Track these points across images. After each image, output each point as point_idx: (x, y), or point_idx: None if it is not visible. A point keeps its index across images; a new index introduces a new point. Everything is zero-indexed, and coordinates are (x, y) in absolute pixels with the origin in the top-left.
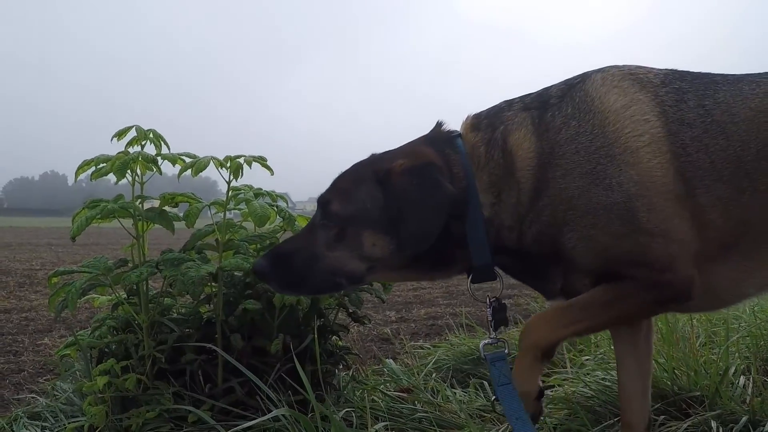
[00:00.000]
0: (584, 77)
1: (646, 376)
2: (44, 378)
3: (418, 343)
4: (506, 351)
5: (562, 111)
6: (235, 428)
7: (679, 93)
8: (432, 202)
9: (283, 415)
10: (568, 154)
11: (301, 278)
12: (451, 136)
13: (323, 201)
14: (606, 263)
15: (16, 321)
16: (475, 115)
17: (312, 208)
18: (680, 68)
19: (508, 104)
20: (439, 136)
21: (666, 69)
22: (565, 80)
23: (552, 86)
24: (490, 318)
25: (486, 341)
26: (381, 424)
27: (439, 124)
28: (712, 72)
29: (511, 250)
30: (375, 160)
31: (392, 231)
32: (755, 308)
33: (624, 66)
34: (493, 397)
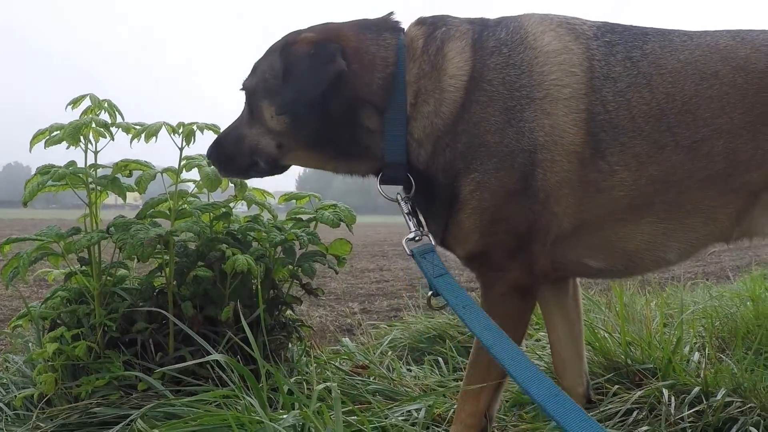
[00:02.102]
0: (523, 14)
1: (578, 338)
2: None
3: (374, 323)
4: (433, 242)
5: (496, 34)
6: (185, 397)
7: (609, 46)
8: (315, 73)
9: (232, 382)
10: (496, 82)
11: (231, 158)
12: (395, 25)
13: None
14: (489, 230)
15: None
16: (423, 16)
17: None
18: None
19: (457, 17)
20: (380, 23)
21: (599, 22)
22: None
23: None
24: (406, 211)
25: (408, 236)
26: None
27: (389, 14)
28: (648, 26)
29: (415, 169)
30: (292, 33)
31: (281, 105)
32: (712, 292)
33: (563, 15)
34: (429, 292)
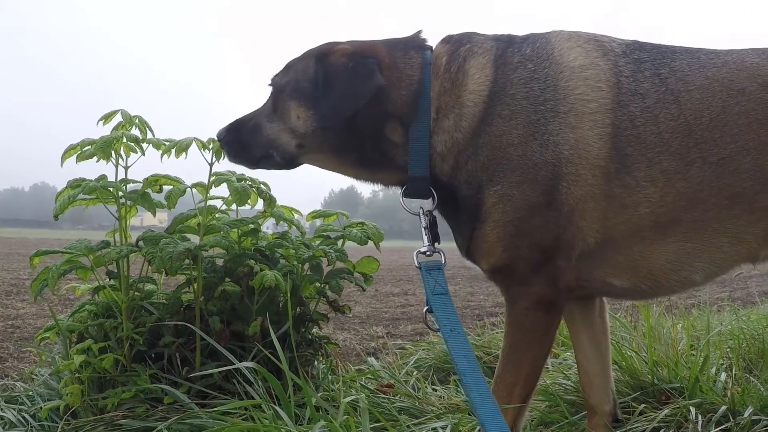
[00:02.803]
0: (551, 31)
1: (604, 356)
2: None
3: (399, 342)
4: (443, 261)
5: (522, 50)
6: (212, 408)
7: (638, 63)
8: (356, 88)
9: (258, 396)
10: (519, 96)
11: (245, 146)
12: (422, 43)
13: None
14: (512, 243)
15: (2, 328)
16: (450, 34)
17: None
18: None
19: (484, 34)
20: (408, 41)
21: (629, 40)
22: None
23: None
24: (424, 225)
25: (421, 249)
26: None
27: (417, 32)
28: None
29: (440, 181)
30: (329, 43)
31: (315, 106)
32: (739, 314)
33: (592, 33)
34: (426, 307)
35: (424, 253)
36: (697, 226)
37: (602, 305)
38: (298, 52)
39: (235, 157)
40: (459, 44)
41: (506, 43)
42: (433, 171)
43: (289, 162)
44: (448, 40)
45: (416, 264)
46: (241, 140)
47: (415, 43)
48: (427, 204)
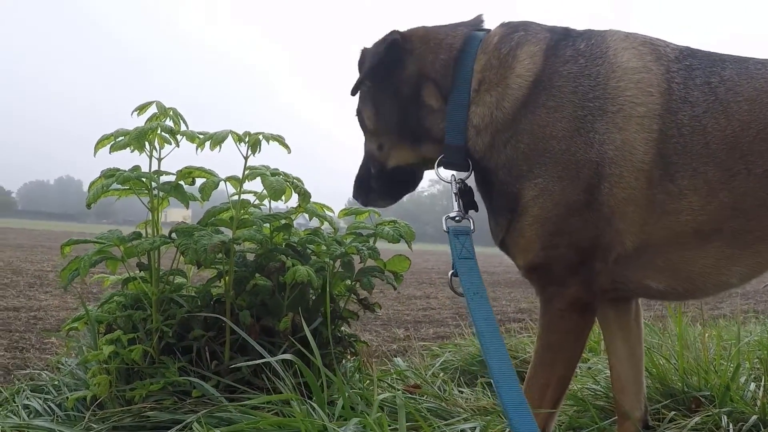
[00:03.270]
0: (608, 30)
1: (638, 361)
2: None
3: (426, 343)
4: (471, 227)
5: (576, 44)
6: (242, 402)
7: (689, 70)
8: (374, 50)
9: (290, 392)
10: (567, 90)
11: (358, 179)
12: (477, 22)
13: None
14: (551, 242)
15: (24, 319)
16: (509, 20)
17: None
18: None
19: (541, 24)
20: (463, 22)
21: (682, 45)
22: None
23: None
24: (454, 191)
25: (450, 215)
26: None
27: (478, 15)
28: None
29: (472, 157)
30: None
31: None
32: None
33: (649, 36)
34: (451, 271)
35: (453, 218)
36: (737, 234)
37: (638, 310)
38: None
39: (358, 196)
40: (514, 29)
41: (561, 36)
42: (466, 143)
43: (382, 171)
44: (505, 25)
45: (444, 228)
46: (357, 176)
47: (468, 23)
48: (462, 174)
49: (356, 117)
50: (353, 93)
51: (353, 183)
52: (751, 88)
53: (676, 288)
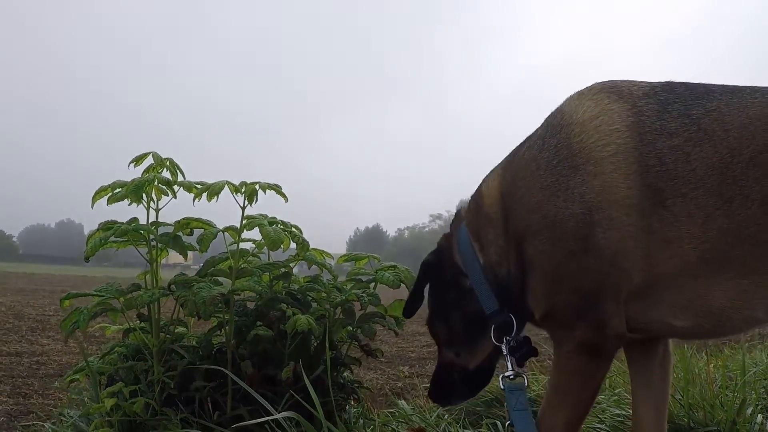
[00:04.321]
0: (570, 95)
1: (660, 405)
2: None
3: (427, 384)
4: (525, 383)
5: (532, 138)
6: None
7: (663, 104)
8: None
9: None
10: (529, 172)
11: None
12: (457, 213)
13: None
14: (551, 289)
15: (27, 364)
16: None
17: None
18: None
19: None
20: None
21: (658, 82)
22: None
23: None
24: (505, 353)
25: (506, 374)
26: None
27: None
28: (716, 83)
29: (511, 290)
30: None
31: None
32: None
33: (610, 81)
34: (508, 422)
35: (508, 377)
36: (748, 262)
37: (666, 354)
38: None
39: (451, 401)
40: (478, 187)
41: (516, 150)
42: (504, 284)
43: (468, 374)
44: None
45: (501, 386)
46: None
47: (455, 219)
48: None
49: (428, 329)
50: (408, 316)
51: (432, 388)
52: (744, 116)
53: (701, 324)
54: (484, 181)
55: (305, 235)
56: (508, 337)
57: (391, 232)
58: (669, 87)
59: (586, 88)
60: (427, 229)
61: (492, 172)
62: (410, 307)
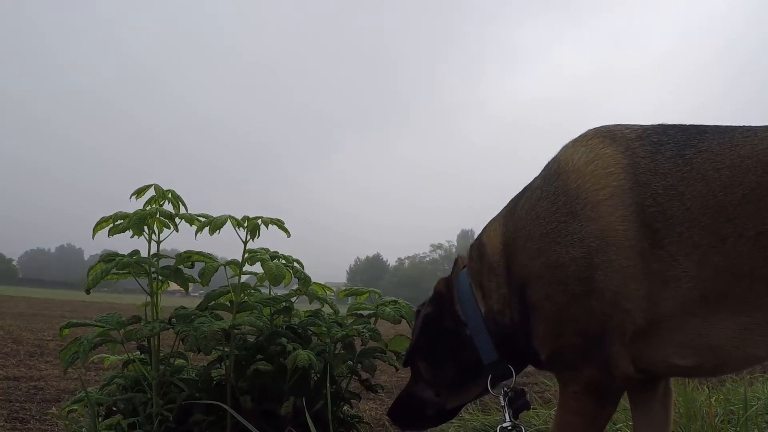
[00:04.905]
0: (566, 144)
1: None
2: None
3: None
4: None
5: (533, 185)
6: None
7: (656, 145)
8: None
9: None
10: (529, 221)
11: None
12: (456, 261)
13: None
14: (555, 331)
15: (25, 389)
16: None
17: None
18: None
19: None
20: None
21: (652, 125)
22: None
23: None
24: (504, 404)
25: (504, 425)
26: None
27: (456, 259)
28: (709, 124)
29: (514, 337)
30: None
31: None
32: None
33: (603, 126)
34: None
35: (506, 428)
36: (747, 300)
37: (667, 390)
38: None
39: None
40: (478, 236)
41: (516, 199)
42: (506, 332)
43: (440, 411)
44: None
45: None
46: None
47: (454, 268)
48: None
49: (405, 360)
50: (406, 365)
51: (397, 414)
52: (735, 155)
53: (703, 363)
54: (484, 231)
55: (305, 263)
56: (506, 388)
57: (392, 260)
58: (662, 129)
59: (581, 135)
60: (427, 258)
61: (493, 222)
62: (410, 360)
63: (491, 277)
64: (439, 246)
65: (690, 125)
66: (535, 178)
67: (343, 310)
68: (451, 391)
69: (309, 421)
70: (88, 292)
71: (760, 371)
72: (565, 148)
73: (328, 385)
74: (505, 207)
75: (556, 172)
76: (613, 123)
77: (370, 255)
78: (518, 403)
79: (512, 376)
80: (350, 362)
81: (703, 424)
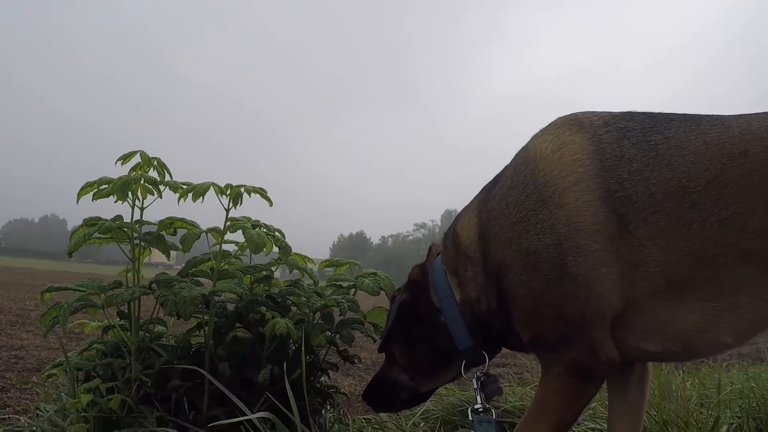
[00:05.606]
0: (533, 135)
1: (636, 422)
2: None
3: None
4: (493, 417)
5: (504, 175)
6: None
7: (623, 131)
8: (390, 313)
9: None
10: (501, 210)
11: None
12: (430, 247)
13: None
14: (534, 316)
15: (5, 358)
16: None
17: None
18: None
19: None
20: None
21: (621, 112)
22: None
23: None
24: (476, 387)
25: (476, 406)
26: None
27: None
28: (678, 112)
29: (490, 323)
30: None
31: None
32: (749, 373)
33: (573, 113)
34: None
35: (477, 410)
36: (711, 285)
37: (644, 371)
38: None
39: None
40: (450, 225)
41: (488, 189)
42: (483, 319)
43: (417, 395)
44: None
45: (470, 418)
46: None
47: (430, 254)
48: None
49: (379, 347)
50: (381, 351)
51: (371, 395)
52: (701, 142)
53: (672, 349)
54: (458, 220)
55: (289, 238)
56: (479, 373)
57: (375, 239)
58: (629, 116)
59: (549, 123)
60: (410, 237)
61: (467, 211)
62: (385, 346)
63: (467, 266)
64: (423, 225)
65: (658, 113)
66: (506, 167)
67: (323, 285)
68: (426, 376)
69: (288, 387)
70: (70, 255)
71: (737, 358)
72: (534, 137)
73: (303, 354)
74: (477, 196)
75: (525, 162)
76: (582, 110)
77: (354, 232)
78: (491, 388)
79: (485, 362)
80: (328, 333)
81: (677, 406)
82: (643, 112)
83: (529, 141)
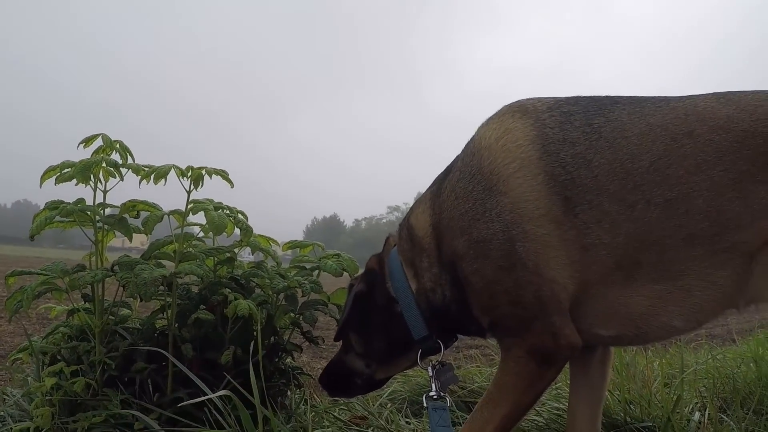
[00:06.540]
0: (480, 125)
1: (596, 402)
2: None
3: None
4: (448, 404)
5: (455, 166)
6: None
7: (566, 115)
8: (348, 301)
9: (228, 425)
10: (451, 201)
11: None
12: (387, 239)
13: None
14: (491, 302)
15: None
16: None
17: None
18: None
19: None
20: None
21: (566, 97)
22: None
23: None
24: (431, 375)
25: (430, 393)
26: None
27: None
28: (625, 95)
29: (447, 312)
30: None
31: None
32: (715, 353)
33: (518, 101)
34: None
35: (432, 396)
36: (658, 268)
37: (606, 355)
38: None
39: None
40: (406, 216)
41: (440, 180)
42: (439, 308)
43: (367, 379)
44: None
45: (425, 404)
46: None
47: (385, 245)
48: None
49: (336, 334)
50: (337, 339)
51: (327, 380)
52: (644, 124)
53: (625, 333)
54: (412, 212)
55: (263, 225)
56: (434, 362)
57: (349, 222)
58: (574, 100)
59: (495, 112)
60: (384, 220)
61: (420, 203)
62: (342, 334)
63: (422, 257)
64: (396, 208)
65: (604, 96)
66: (456, 158)
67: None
68: (382, 363)
69: (250, 369)
70: (32, 238)
71: (706, 339)
72: (481, 127)
73: (259, 335)
74: (430, 188)
75: (472, 152)
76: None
77: (327, 216)
78: (446, 377)
79: (440, 351)
80: (292, 314)
81: (641, 385)
82: (590, 96)
83: (477, 131)
